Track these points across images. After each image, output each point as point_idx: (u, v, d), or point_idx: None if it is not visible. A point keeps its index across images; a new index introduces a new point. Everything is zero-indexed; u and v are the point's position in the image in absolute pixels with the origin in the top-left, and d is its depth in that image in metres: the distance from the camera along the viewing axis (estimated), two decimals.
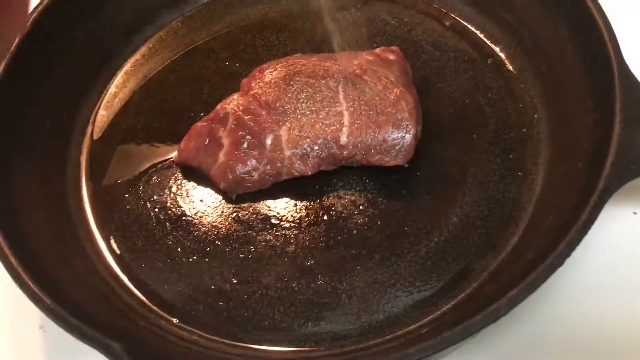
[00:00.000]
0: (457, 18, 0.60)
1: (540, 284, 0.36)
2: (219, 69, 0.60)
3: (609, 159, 0.40)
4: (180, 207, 0.52)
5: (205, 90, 0.59)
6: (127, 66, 0.61)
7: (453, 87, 0.56)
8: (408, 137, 0.49)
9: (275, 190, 0.52)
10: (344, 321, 0.46)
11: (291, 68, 0.54)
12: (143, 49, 0.62)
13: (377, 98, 0.51)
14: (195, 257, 0.50)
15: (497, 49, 0.57)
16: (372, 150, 0.50)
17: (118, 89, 0.60)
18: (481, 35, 0.58)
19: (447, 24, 0.60)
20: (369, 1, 0.63)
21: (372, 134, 0.50)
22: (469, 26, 0.59)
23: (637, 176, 0.40)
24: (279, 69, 0.54)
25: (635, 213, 0.51)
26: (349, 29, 0.60)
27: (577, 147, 0.46)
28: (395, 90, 0.51)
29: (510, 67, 0.56)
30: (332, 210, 0.51)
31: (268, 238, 0.50)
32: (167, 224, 0.52)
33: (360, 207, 0.51)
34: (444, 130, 0.54)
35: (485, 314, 0.36)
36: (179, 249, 0.50)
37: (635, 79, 0.44)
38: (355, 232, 0.49)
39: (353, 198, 0.51)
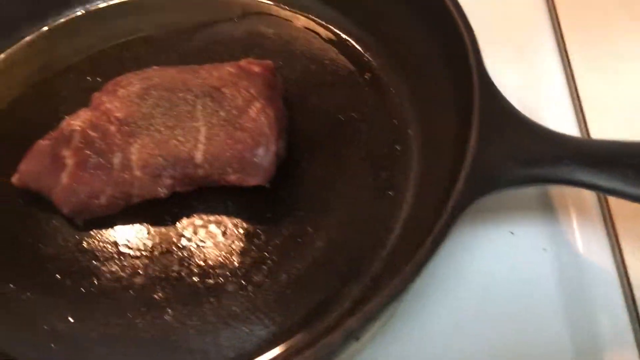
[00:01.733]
0: (336, 31, 0.57)
1: (377, 314, 0.32)
2: (79, 84, 0.55)
3: (462, 174, 0.37)
4: (16, 236, 0.47)
5: (62, 108, 0.53)
6: None
7: (328, 102, 0.53)
8: (268, 154, 0.45)
9: (127, 214, 0.47)
10: None
11: (147, 81, 0.49)
12: None
13: (236, 112, 0.47)
14: (29, 294, 0.44)
15: (375, 64, 0.55)
16: (229, 169, 0.45)
17: None
18: (360, 49, 0.56)
19: (326, 37, 0.57)
20: (246, 14, 0.59)
21: (230, 151, 0.45)
22: (349, 39, 0.56)
23: (491, 191, 0.37)
24: (134, 82, 0.49)
25: (512, 233, 0.48)
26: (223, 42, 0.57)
27: (443, 164, 0.44)
28: (255, 104, 0.47)
29: (387, 82, 0.53)
30: (188, 236, 0.46)
31: (114, 269, 0.45)
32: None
33: (219, 232, 0.46)
34: (314, 148, 0.50)
35: (318, 347, 0.32)
36: (11, 285, 0.44)
37: (496, 89, 0.42)
38: (211, 260, 0.45)
39: (212, 222, 0.47)
